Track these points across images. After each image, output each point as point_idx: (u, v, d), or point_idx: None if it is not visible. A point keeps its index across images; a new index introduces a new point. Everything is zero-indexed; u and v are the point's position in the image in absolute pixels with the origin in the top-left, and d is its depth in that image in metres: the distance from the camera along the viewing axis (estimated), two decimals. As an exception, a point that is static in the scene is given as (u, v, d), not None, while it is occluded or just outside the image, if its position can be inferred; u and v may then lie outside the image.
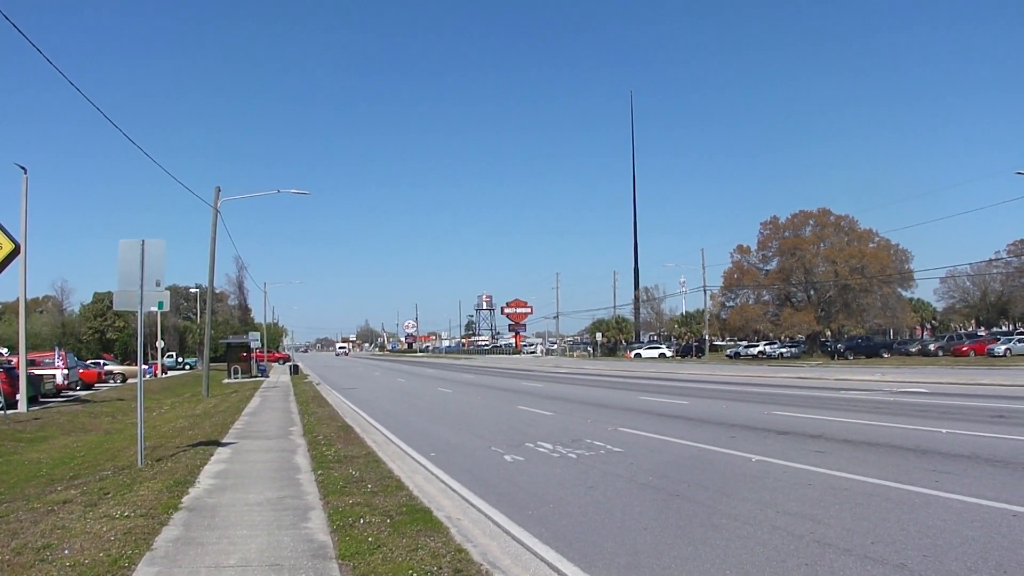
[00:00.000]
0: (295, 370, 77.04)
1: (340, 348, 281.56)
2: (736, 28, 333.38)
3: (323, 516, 11.11)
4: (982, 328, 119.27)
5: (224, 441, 20.88)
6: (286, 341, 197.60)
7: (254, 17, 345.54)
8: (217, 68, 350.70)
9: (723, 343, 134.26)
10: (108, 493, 13.00)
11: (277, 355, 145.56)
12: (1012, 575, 7.87)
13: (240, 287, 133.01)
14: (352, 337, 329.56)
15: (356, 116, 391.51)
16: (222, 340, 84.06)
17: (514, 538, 10.06)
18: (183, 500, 12.41)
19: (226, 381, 62.93)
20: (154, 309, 17.15)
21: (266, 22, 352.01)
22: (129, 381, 62.49)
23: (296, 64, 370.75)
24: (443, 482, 14.62)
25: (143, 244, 16.26)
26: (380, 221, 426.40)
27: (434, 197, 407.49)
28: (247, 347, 73.77)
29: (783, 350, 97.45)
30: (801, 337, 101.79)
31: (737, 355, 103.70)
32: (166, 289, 17.37)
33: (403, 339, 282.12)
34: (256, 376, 70.92)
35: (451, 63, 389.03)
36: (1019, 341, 76.88)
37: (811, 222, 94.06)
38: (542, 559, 9.03)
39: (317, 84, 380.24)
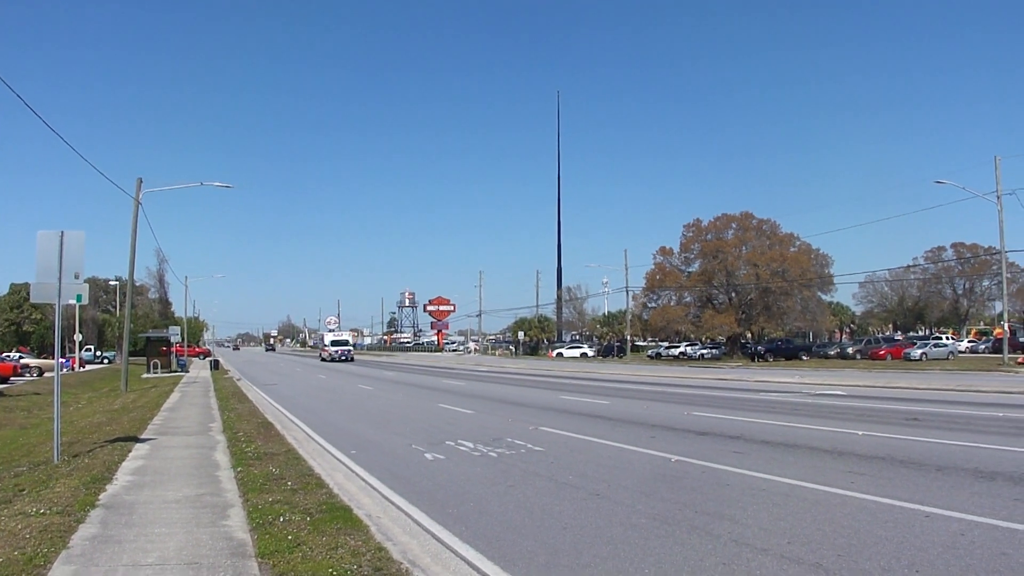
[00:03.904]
0: (216, 365, 76.14)
1: (269, 343, 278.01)
2: (662, 33, 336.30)
3: (242, 514, 11.02)
4: (899, 332, 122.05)
5: (143, 437, 20.55)
6: (207, 336, 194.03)
7: (179, 6, 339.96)
8: (141, 57, 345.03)
9: (645, 344, 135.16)
10: (23, 490, 12.69)
11: (198, 350, 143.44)
12: (924, 574, 8.09)
13: (161, 280, 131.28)
14: (274, 333, 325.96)
15: (281, 111, 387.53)
16: (142, 334, 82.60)
17: (434, 536, 10.07)
18: (100, 497, 12.19)
19: (145, 376, 61.78)
20: (73, 302, 16.81)
21: (192, 9, 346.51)
22: (46, 375, 60.93)
23: (221, 55, 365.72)
24: (363, 480, 14.58)
25: (62, 236, 15.96)
26: (303, 216, 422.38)
27: (357, 193, 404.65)
28: (167, 341, 72.59)
29: (704, 351, 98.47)
30: (722, 339, 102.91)
31: (658, 356, 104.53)
32: (85, 282, 17.08)
33: (325, 335, 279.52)
34: (176, 371, 69.71)
35: (379, 60, 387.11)
36: (935, 346, 78.81)
37: (734, 225, 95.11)
38: (462, 557, 9.07)
39: (243, 76, 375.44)
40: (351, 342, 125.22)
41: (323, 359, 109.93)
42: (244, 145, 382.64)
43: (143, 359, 73.03)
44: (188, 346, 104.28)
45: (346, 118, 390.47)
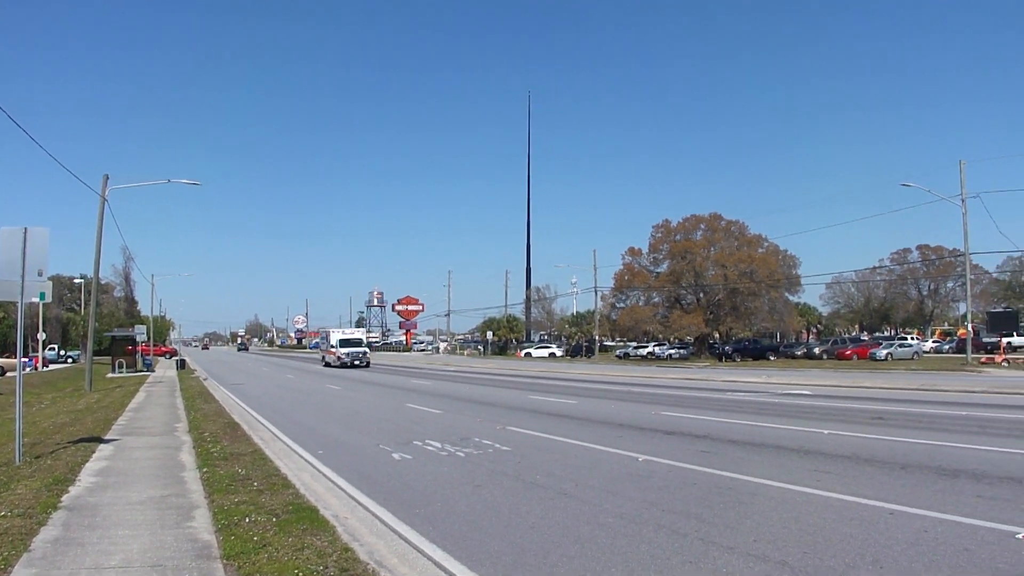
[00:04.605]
0: (182, 365, 75.65)
1: (240, 342, 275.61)
2: (633, 34, 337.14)
3: (208, 515, 10.96)
4: (865, 333, 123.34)
5: (107, 438, 20.36)
6: (174, 335, 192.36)
7: (141, 1, 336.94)
8: (107, 52, 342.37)
9: (613, 344, 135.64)
10: (-17, 492, 12.61)
11: (164, 349, 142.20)
12: (888, 570, 8.19)
13: (127, 279, 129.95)
14: (241, 332, 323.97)
15: (249, 109, 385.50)
16: (107, 333, 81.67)
17: (401, 537, 10.05)
18: (63, 499, 12.07)
19: (110, 375, 61.26)
20: (36, 300, 16.67)
21: (155, 4, 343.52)
22: (8, 374, 60.30)
23: (188, 50, 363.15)
24: (330, 480, 14.51)
25: (25, 232, 15.80)
26: (271, 215, 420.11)
27: (327, 192, 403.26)
28: (133, 340, 71.90)
29: (672, 351, 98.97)
30: (690, 339, 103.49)
31: (626, 356, 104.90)
32: (49, 279, 16.94)
33: (293, 335, 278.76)
34: (142, 370, 69.17)
35: (349, 58, 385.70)
36: (900, 346, 79.64)
37: (702, 226, 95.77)
38: (429, 558, 9.07)
39: (212, 73, 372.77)
40: (365, 341, 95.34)
41: (328, 364, 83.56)
42: (212, 143, 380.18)
43: (108, 358, 72.33)
44: (154, 345, 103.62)
45: (314, 116, 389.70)
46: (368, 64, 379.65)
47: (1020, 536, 9.23)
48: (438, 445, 18.90)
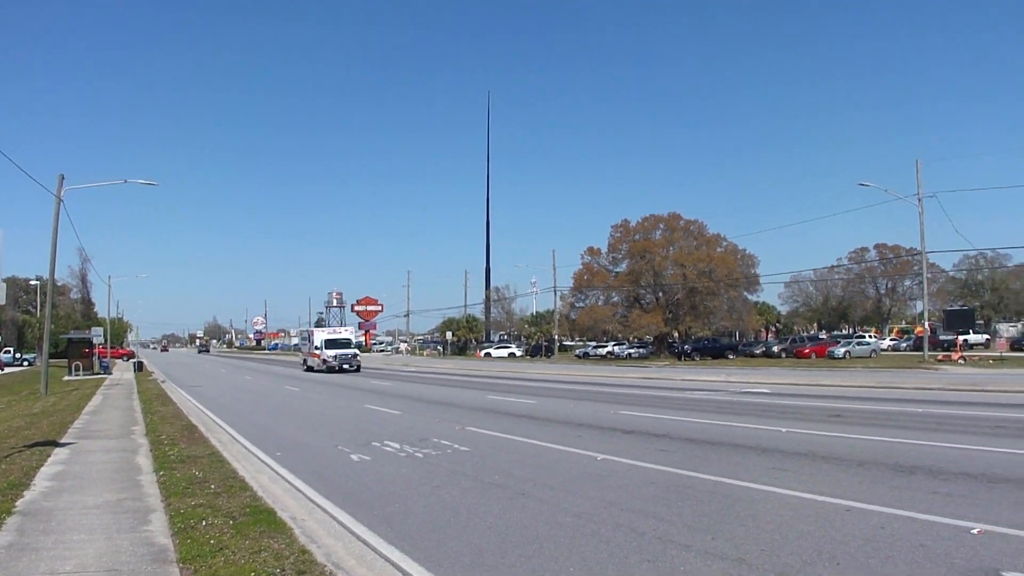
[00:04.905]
0: (139, 367, 74.84)
1: (201, 344, 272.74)
2: (592, 34, 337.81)
3: (164, 518, 10.85)
4: (824, 331, 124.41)
5: (63, 441, 20.11)
6: (131, 337, 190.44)
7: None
8: (61, 51, 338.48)
9: (573, 343, 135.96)
10: (-63, 497, 12.43)
11: (121, 351, 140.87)
12: (845, 566, 8.24)
13: (83, 280, 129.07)
14: (200, 333, 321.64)
15: (205, 108, 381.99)
16: (63, 335, 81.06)
17: (359, 538, 10.01)
18: (17, 504, 11.92)
19: (67, 378, 60.53)
20: (-11, 302, 16.49)
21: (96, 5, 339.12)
22: (-36, 378, 59.81)
23: (144, 48, 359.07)
24: (288, 482, 14.42)
25: (-22, 234, 15.62)
26: (229, 215, 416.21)
27: (285, 192, 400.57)
28: (89, 343, 71.23)
29: (631, 351, 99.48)
30: (649, 338, 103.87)
31: (586, 355, 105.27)
32: (3, 281, 16.77)
33: (252, 336, 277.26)
34: (99, 373, 68.32)
35: (308, 57, 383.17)
36: (858, 344, 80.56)
37: (661, 226, 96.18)
38: (387, 559, 9.03)
39: (168, 71, 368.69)
40: (354, 342, 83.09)
41: (312, 368, 73.38)
42: (168, 143, 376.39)
43: (64, 361, 71.62)
44: (111, 348, 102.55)
45: (271, 115, 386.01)
46: (326, 64, 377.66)
47: (976, 531, 9.32)
48: (397, 446, 18.84)
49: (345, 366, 68.42)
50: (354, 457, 17.41)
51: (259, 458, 17.77)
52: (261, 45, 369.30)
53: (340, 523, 10.91)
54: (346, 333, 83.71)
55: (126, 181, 48.00)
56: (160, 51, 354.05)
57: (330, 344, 71.35)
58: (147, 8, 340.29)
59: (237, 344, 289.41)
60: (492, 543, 9.66)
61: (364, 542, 9.82)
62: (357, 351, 75.14)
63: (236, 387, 50.46)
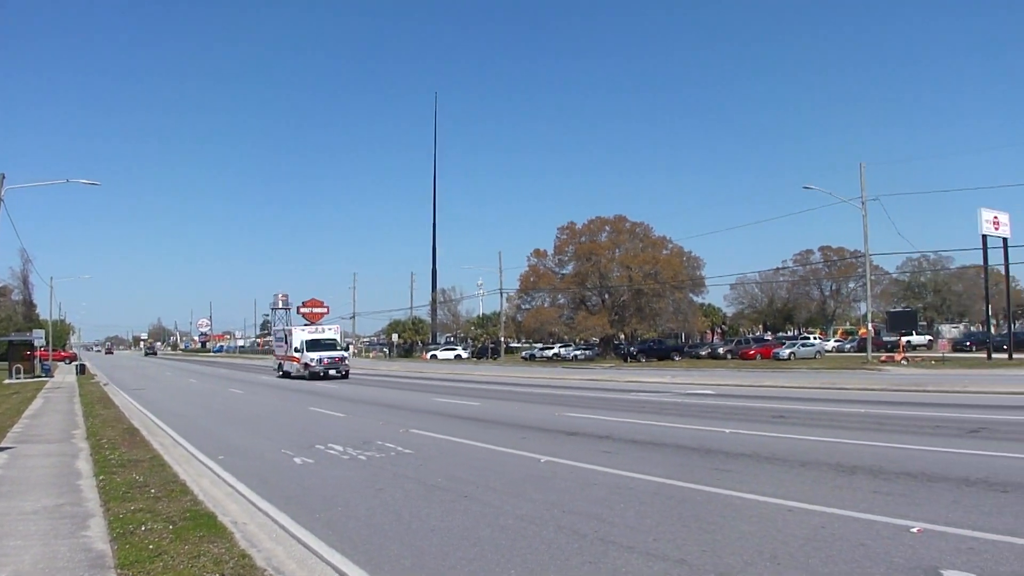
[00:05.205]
0: (81, 370, 73.82)
1: (148, 346, 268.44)
2: (537, 33, 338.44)
3: (103, 524, 10.72)
4: (769, 333, 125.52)
5: (1, 446, 19.84)
6: (74, 339, 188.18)
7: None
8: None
9: (519, 345, 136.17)
10: None
11: (64, 354, 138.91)
12: (785, 566, 8.29)
13: (25, 282, 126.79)
14: (144, 336, 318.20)
15: (148, 106, 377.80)
16: (3, 337, 79.77)
17: (300, 542, 9.94)
18: (-47, 510, 11.69)
19: (7, 381, 59.52)
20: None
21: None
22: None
23: (87, 44, 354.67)
24: (230, 486, 14.27)
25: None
26: (174, 217, 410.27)
27: (230, 193, 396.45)
28: (30, 345, 70.30)
29: (578, 353, 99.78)
30: (595, 340, 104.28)
31: (532, 357, 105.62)
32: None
33: (197, 338, 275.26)
34: (40, 376, 67.37)
35: (251, 56, 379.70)
36: (803, 345, 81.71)
37: (607, 228, 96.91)
38: (327, 562, 8.99)
39: (112, 69, 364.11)
40: (340, 343, 68.19)
41: (288, 375, 63.64)
42: (111, 142, 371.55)
43: (5, 364, 70.61)
44: (53, 350, 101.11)
45: (216, 114, 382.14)
46: (271, 63, 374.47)
47: (915, 530, 9.43)
48: (340, 449, 18.75)
49: (332, 371, 58.52)
50: (297, 460, 17.29)
51: (201, 461, 17.61)
52: (208, 40, 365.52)
53: (281, 526, 10.82)
54: (331, 332, 67.69)
55: (68, 181, 47.45)
56: (101, 45, 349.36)
57: (313, 345, 60.92)
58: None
59: (182, 347, 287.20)
60: (434, 546, 9.61)
61: (305, 546, 9.76)
62: (345, 353, 63.82)
63: (180, 390, 49.99)
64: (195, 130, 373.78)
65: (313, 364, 58.29)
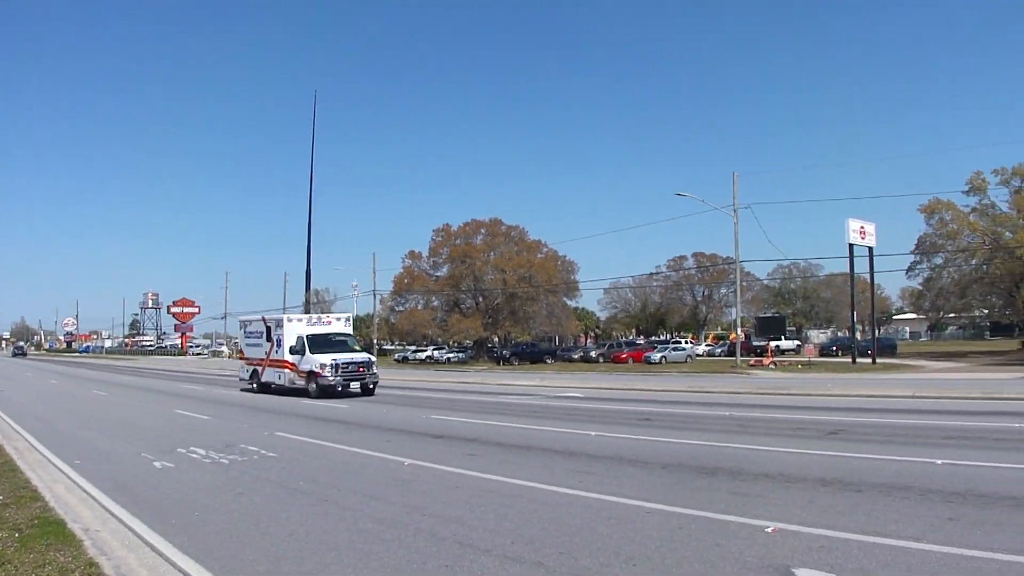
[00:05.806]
0: None
1: (17, 346, 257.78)
2: (409, 38, 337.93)
3: (-56, 534, 10.27)
4: (642, 337, 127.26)
5: None
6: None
7: None
8: None
9: (392, 347, 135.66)
10: None
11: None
12: (640, 567, 8.44)
13: None
14: (6, 335, 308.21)
15: (17, 98, 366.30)
16: None
17: (153, 548, 9.71)
18: None
19: None
20: None
21: None
22: None
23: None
24: (85, 491, 13.84)
25: None
26: (37, 211, 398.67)
27: (95, 189, 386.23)
28: None
29: (451, 355, 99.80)
30: (469, 343, 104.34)
31: (405, 359, 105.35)
32: None
33: (62, 338, 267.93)
34: None
35: (127, 52, 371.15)
36: (674, 349, 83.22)
37: (483, 231, 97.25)
38: (179, 569, 8.83)
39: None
40: (357, 341, 48.16)
41: (267, 387, 41.74)
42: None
43: None
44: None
45: (83, 110, 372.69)
46: (143, 61, 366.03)
47: (769, 530, 9.68)
48: (203, 452, 18.45)
49: (353, 385, 37.62)
50: (157, 464, 16.95)
51: (57, 467, 17.03)
52: (88, 41, 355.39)
53: (135, 533, 10.53)
54: (341, 324, 44.19)
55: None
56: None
57: (320, 344, 38.74)
58: None
59: (47, 346, 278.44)
60: (291, 551, 9.50)
61: (159, 552, 9.53)
62: (372, 357, 42.11)
63: (40, 392, 48.49)
64: (56, 125, 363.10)
65: (324, 373, 36.80)
